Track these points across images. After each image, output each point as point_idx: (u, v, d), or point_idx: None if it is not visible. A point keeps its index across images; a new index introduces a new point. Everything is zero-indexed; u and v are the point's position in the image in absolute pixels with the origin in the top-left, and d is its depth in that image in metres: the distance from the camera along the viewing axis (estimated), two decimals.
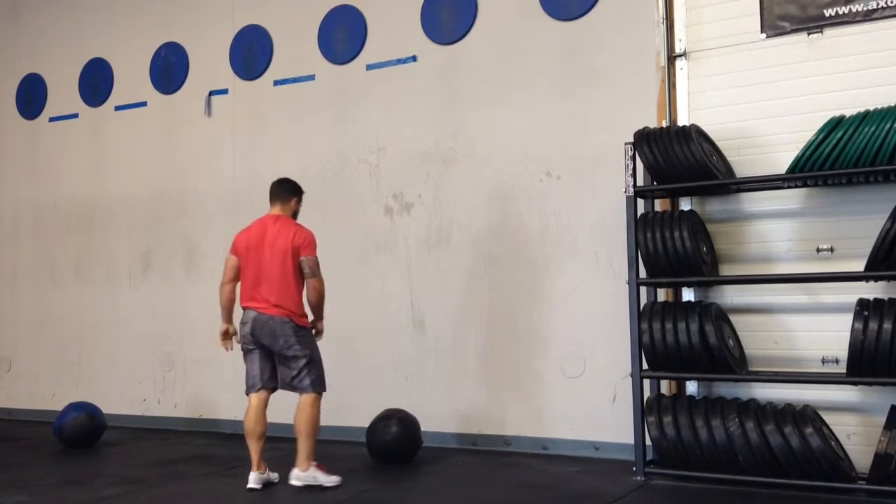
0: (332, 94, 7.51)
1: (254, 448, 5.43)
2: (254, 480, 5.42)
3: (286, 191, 5.65)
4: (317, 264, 5.46)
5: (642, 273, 5.64)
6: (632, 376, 5.61)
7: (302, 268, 5.42)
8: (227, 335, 5.61)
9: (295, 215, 5.66)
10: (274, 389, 5.53)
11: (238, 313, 5.56)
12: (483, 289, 6.76)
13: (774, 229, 5.64)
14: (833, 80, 5.49)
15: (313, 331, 5.54)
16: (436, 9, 7.04)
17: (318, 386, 5.44)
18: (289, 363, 5.38)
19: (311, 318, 5.55)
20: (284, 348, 5.34)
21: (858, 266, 5.11)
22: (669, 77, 5.99)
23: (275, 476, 5.54)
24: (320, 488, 5.34)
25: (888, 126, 4.91)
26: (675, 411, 5.32)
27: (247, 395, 5.55)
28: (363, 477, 5.75)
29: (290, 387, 5.43)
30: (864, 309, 4.95)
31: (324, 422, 6.78)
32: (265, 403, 5.48)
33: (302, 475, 5.35)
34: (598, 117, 6.36)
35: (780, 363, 5.54)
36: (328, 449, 6.39)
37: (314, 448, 5.40)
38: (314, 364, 5.42)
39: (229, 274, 5.57)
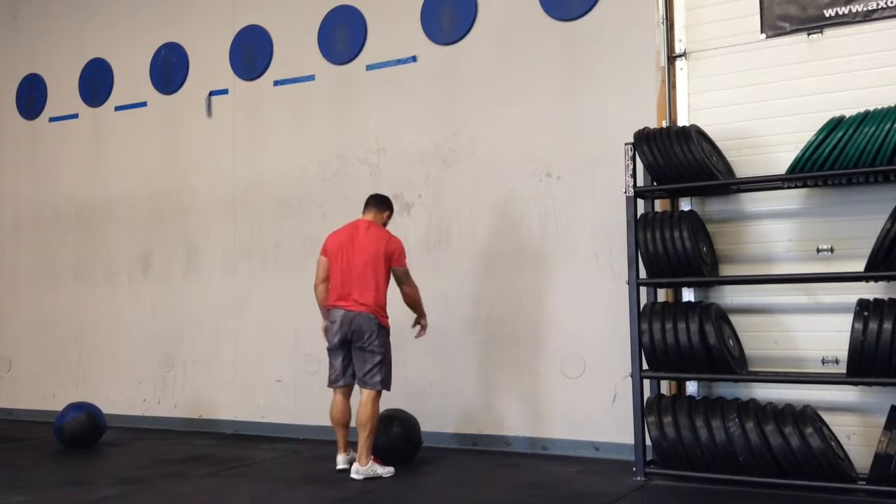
0: (332, 94, 7.51)
1: (340, 434, 5.90)
2: (342, 462, 5.87)
3: (383, 203, 6.04)
4: (407, 273, 5.90)
5: (642, 273, 5.64)
6: (632, 376, 5.61)
7: (395, 275, 5.85)
8: (327, 331, 5.92)
9: (384, 227, 6.01)
10: (353, 385, 5.88)
11: None
12: (483, 289, 6.76)
13: (774, 229, 5.64)
14: (833, 80, 5.49)
15: (419, 325, 6.04)
16: (436, 9, 7.04)
17: (386, 384, 5.78)
18: (365, 357, 5.71)
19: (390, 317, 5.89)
20: (366, 343, 5.70)
21: (858, 266, 5.11)
22: (669, 77, 5.99)
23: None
24: (373, 479, 5.65)
25: (888, 126, 4.90)
26: (675, 411, 5.32)
27: (329, 387, 5.93)
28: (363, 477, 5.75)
29: (362, 381, 5.75)
30: (864, 309, 4.95)
31: (323, 422, 6.80)
32: (348, 396, 5.89)
33: (363, 469, 5.65)
34: (598, 117, 6.36)
35: (780, 363, 5.54)
36: (329, 449, 6.40)
37: (373, 442, 5.72)
38: (386, 363, 5.76)
39: (322, 274, 5.92)
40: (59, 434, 7.08)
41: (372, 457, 5.70)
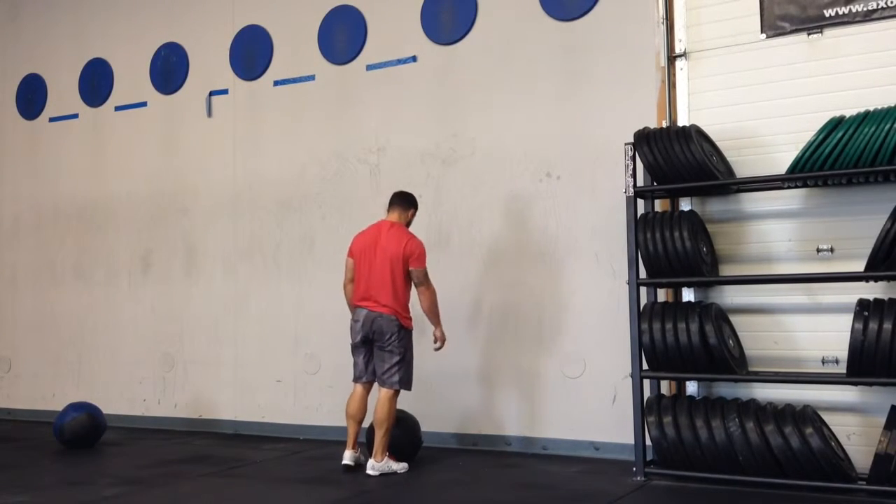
0: (332, 94, 7.51)
1: (351, 430, 5.91)
2: (347, 458, 5.88)
3: (407, 201, 6.08)
4: (425, 275, 5.88)
5: (642, 273, 5.64)
6: (632, 376, 5.61)
7: (412, 277, 5.85)
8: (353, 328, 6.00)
9: (408, 225, 6.05)
10: (374, 382, 5.93)
11: None
12: (483, 289, 6.76)
13: (774, 229, 5.64)
14: (833, 80, 5.49)
15: (435, 338, 5.96)
16: (436, 9, 7.04)
17: (404, 384, 5.85)
18: (384, 357, 5.80)
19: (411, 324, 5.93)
20: (386, 343, 5.78)
21: (858, 266, 5.11)
22: (669, 77, 5.99)
23: (363, 458, 5.93)
24: (387, 475, 5.74)
25: (888, 126, 4.91)
26: (675, 411, 5.32)
27: (353, 382, 5.96)
28: (363, 477, 5.75)
29: (381, 380, 5.83)
30: (864, 309, 4.95)
31: (323, 422, 6.82)
32: (367, 393, 5.95)
33: (378, 465, 5.74)
34: (598, 117, 6.36)
35: (780, 363, 5.54)
36: (328, 449, 6.41)
37: (389, 440, 5.78)
38: (405, 363, 5.83)
39: (348, 275, 6.04)
40: (59, 434, 7.08)
41: (387, 453, 5.78)
